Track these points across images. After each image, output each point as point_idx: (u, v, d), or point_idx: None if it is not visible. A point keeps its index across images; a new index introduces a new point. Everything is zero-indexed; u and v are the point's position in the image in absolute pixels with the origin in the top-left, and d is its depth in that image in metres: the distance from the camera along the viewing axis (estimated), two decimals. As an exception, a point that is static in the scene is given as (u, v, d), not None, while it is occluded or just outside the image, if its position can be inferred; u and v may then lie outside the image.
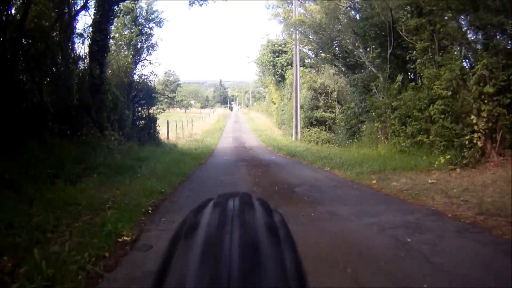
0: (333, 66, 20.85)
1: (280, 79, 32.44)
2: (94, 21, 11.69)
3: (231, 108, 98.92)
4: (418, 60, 10.91)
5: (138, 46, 17.78)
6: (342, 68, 18.86)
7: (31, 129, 7.93)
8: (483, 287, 2.88)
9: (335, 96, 23.87)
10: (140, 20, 17.93)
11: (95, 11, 11.68)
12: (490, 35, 9.36)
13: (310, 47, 22.74)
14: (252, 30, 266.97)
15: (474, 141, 8.27)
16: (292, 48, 24.51)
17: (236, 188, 7.28)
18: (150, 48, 18.47)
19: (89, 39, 12.09)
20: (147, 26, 18.38)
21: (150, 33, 18.45)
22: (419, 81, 12.03)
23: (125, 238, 3.93)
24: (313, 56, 23.65)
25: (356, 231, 4.50)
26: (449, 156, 8.29)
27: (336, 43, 18.03)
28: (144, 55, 18.20)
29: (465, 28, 9.99)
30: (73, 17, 11.74)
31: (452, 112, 9.07)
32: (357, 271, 3.22)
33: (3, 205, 4.37)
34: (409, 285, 2.92)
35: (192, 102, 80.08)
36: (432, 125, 9.65)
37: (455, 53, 9.67)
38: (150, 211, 5.26)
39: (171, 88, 56.62)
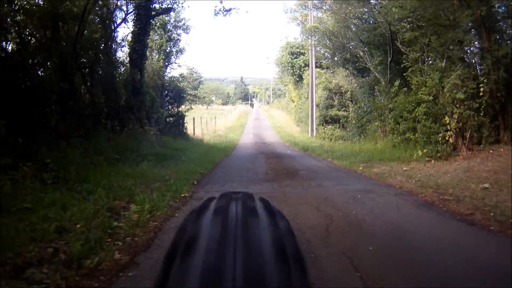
0: (345, 69, 22.94)
1: (298, 79, 34.36)
2: (133, 32, 13.98)
3: (252, 105, 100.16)
4: (410, 69, 12.95)
5: (168, 51, 20.22)
6: (353, 71, 20.91)
7: (91, 125, 10.29)
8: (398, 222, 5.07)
9: (349, 96, 25.64)
10: (168, 26, 20.30)
11: (133, 24, 14.04)
12: (463, 50, 11.40)
13: (326, 49, 24.68)
14: (272, 29, 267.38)
15: (447, 138, 10.32)
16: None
17: (256, 171, 9.67)
18: (179, 52, 20.94)
19: (128, 48, 14.53)
20: (175, 32, 20.79)
21: (178, 39, 20.90)
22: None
23: (185, 194, 6.38)
24: (329, 58, 25.50)
25: (329, 192, 6.89)
26: (426, 150, 10.39)
27: (347, 49, 20.11)
28: (173, 58, 20.69)
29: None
30: (115, 29, 14.11)
31: (432, 114, 11.11)
32: (323, 208, 5.57)
33: (98, 174, 6.72)
34: (349, 213, 5.19)
35: (214, 98, 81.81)
36: (417, 124, 11.70)
37: (438, 64, 11.67)
38: (195, 183, 7.66)
39: (193, 85, 58.97)
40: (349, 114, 24.63)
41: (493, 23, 10.91)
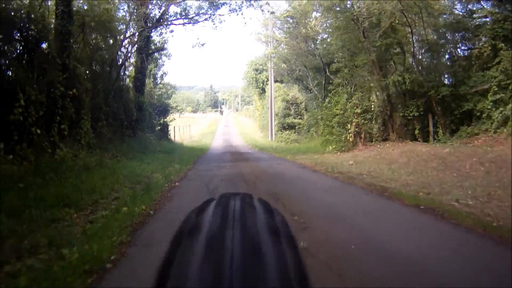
0: (297, 85, 29.22)
1: (261, 91, 40.36)
2: (135, 66, 19.60)
3: (221, 112, 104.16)
4: (332, 91, 19.05)
5: (155, 74, 25.94)
6: (302, 88, 27.22)
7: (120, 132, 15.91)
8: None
9: (303, 106, 31.90)
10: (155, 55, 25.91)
11: (135, 60, 19.51)
12: (363, 80, 17.65)
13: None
14: (241, 39, 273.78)
15: (349, 138, 16.48)
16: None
17: (224, 159, 15.65)
18: (164, 75, 26.73)
19: (132, 78, 20.03)
20: (160, 59, 26.47)
21: (162, 64, 26.66)
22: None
23: (189, 167, 12.15)
24: (285, 75, 31.61)
25: (261, 165, 12.85)
26: (334, 146, 16.55)
27: (296, 71, 26.37)
28: (158, 80, 26.41)
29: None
30: (123, 63, 19.63)
31: (341, 122, 17.22)
32: (255, 170, 11.31)
33: (134, 164, 12.39)
34: (266, 170, 11.06)
35: (184, 106, 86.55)
36: (332, 129, 17.78)
37: (348, 89, 17.81)
38: (191, 165, 13.45)
39: (167, 95, 64.14)
40: (304, 121, 30.72)
41: (383, 63, 17.12)
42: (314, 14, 22.46)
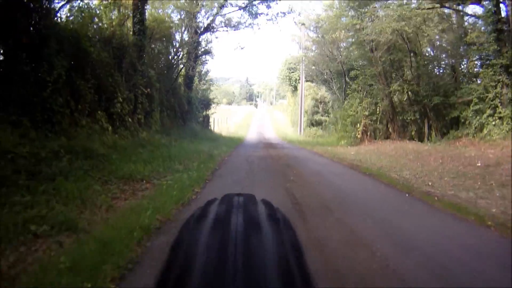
0: (325, 86, 33.30)
1: (294, 89, 44.59)
2: (186, 66, 24.16)
3: (256, 106, 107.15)
4: (349, 95, 23.07)
5: (201, 71, 30.49)
6: (328, 90, 31.30)
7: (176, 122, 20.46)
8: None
9: (330, 105, 35.87)
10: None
11: (186, 61, 24.00)
12: (372, 88, 21.60)
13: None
14: (277, 35, 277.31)
15: (357, 135, 20.51)
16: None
17: (258, 146, 20.03)
18: (207, 72, 31.24)
19: (183, 76, 24.65)
20: (204, 57, 30.99)
21: (205, 61, 31.16)
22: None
23: (231, 150, 16.60)
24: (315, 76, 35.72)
25: (285, 151, 17.11)
26: (346, 141, 20.63)
27: (323, 74, 30.46)
28: (203, 77, 30.95)
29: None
30: (177, 65, 24.26)
31: (353, 122, 21.22)
32: (280, 153, 15.59)
33: (193, 145, 16.88)
34: (288, 154, 15.30)
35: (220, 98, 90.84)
36: (346, 127, 21.81)
37: (360, 95, 21.79)
38: (233, 148, 17.87)
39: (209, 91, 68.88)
40: (328, 119, 34.85)
41: (388, 74, 21.04)
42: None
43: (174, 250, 0.70)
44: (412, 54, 19.19)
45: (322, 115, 36.50)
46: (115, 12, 15.43)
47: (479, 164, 11.44)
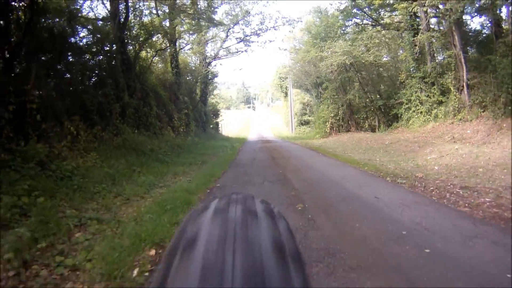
0: (308, 93, 42.65)
1: (285, 94, 53.56)
2: (200, 88, 33.46)
3: (254, 108, 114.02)
4: (322, 101, 32.32)
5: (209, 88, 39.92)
6: (310, 96, 40.70)
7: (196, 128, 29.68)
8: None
9: (315, 108, 44.89)
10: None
11: (200, 83, 33.31)
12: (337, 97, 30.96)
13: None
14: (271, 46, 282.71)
15: (326, 130, 29.82)
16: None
17: (258, 142, 29.39)
18: (215, 88, 40.59)
19: (198, 95, 33.91)
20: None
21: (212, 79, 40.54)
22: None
23: (241, 145, 25.94)
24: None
25: (277, 145, 26.28)
26: (319, 135, 29.99)
27: (304, 84, 39.80)
28: (210, 93, 40.30)
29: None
30: (195, 89, 33.57)
31: (323, 121, 30.45)
32: (272, 146, 24.86)
33: (215, 143, 26.18)
34: (277, 147, 24.62)
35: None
36: (320, 125, 31.00)
37: (328, 101, 31.03)
38: (240, 146, 27.09)
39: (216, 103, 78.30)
40: (313, 119, 44.07)
41: (345, 87, 30.26)
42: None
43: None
44: (357, 74, 28.42)
45: (309, 116, 45.38)
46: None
47: (387, 143, 20.63)
